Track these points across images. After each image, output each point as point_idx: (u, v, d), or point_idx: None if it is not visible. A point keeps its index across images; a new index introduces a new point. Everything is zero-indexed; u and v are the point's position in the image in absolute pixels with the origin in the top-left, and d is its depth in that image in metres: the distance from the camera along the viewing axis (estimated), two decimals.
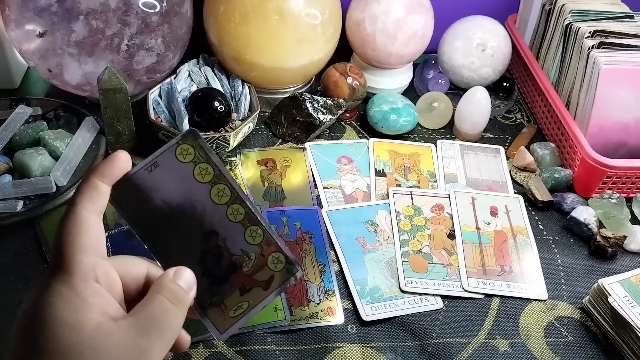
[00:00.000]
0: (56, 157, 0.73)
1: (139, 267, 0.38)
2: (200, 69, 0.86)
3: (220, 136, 0.74)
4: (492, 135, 0.89)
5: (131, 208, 0.39)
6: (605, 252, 0.71)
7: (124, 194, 0.38)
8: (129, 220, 0.39)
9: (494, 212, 0.74)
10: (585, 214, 0.73)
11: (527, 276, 0.67)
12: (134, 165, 0.39)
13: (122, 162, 0.38)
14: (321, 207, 0.73)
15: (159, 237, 0.39)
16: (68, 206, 0.35)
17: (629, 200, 0.79)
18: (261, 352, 0.58)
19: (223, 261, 0.40)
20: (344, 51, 0.91)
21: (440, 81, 0.93)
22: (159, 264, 0.39)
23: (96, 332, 0.32)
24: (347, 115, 0.88)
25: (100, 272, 0.35)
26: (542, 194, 0.77)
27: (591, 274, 0.69)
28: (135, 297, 0.37)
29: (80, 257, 0.34)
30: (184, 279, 0.37)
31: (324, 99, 0.83)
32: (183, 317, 0.36)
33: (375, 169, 0.80)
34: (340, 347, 0.59)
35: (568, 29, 0.84)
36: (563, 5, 0.87)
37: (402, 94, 0.92)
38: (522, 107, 0.96)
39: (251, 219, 0.40)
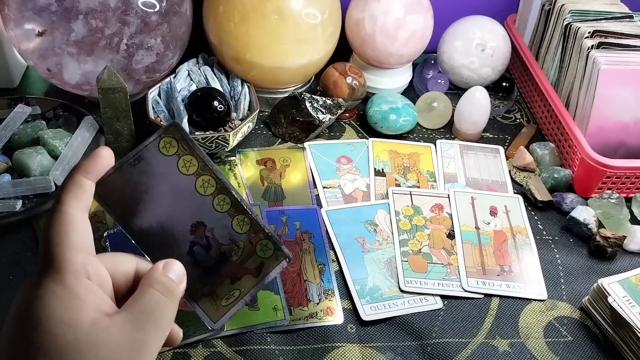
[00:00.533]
0: (55, 157, 0.72)
1: (128, 263, 0.39)
2: (199, 69, 0.85)
3: (219, 136, 0.74)
4: (491, 135, 0.89)
5: (117, 203, 0.39)
6: (604, 252, 0.71)
7: (109, 189, 0.39)
8: (115, 215, 0.39)
9: (493, 212, 0.74)
10: (584, 214, 0.73)
11: (526, 276, 0.67)
12: (117, 160, 0.39)
13: (105, 158, 0.38)
14: (321, 206, 0.73)
15: (146, 231, 0.40)
16: (53, 204, 0.35)
17: (628, 200, 0.79)
18: (260, 351, 0.57)
19: (212, 251, 0.40)
20: (343, 51, 0.91)
21: (439, 81, 0.93)
22: (148, 258, 0.40)
23: (93, 329, 0.32)
24: (347, 115, 0.88)
25: (91, 269, 0.35)
26: (541, 194, 0.77)
27: (591, 274, 0.69)
28: (125, 293, 0.38)
29: (70, 255, 0.34)
30: (174, 271, 0.38)
31: (324, 98, 0.83)
32: (175, 309, 0.37)
33: (375, 169, 0.80)
34: (340, 347, 0.59)
35: (567, 29, 0.84)
36: (562, 5, 0.87)
37: (401, 93, 0.92)
38: (522, 107, 0.96)
39: (238, 208, 0.41)
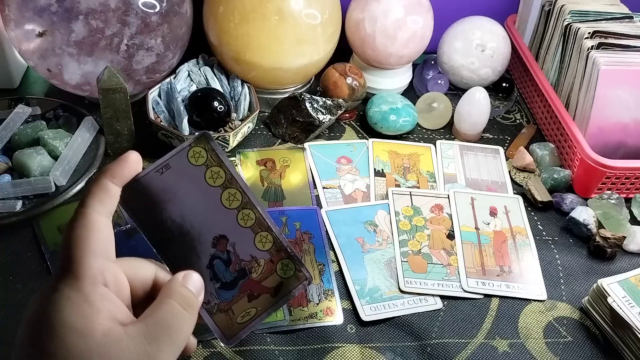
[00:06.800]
0: (55, 157, 0.73)
1: (147, 270, 0.38)
2: (199, 69, 0.86)
3: (219, 136, 0.74)
4: (491, 136, 0.89)
5: (141, 210, 0.39)
6: (604, 253, 0.71)
7: (134, 195, 0.38)
8: (138, 222, 0.39)
9: (493, 213, 0.74)
10: (584, 214, 0.73)
11: (526, 276, 0.67)
12: (145, 167, 0.38)
13: (133, 163, 0.37)
14: (320, 207, 0.73)
15: (168, 240, 0.39)
16: (77, 207, 0.35)
17: (628, 200, 0.79)
18: (260, 352, 0.57)
19: (232, 266, 0.40)
20: (343, 51, 0.91)
21: (439, 81, 0.93)
22: (167, 268, 0.39)
23: (104, 339, 0.32)
24: (347, 115, 0.88)
25: (109, 275, 0.34)
26: (541, 195, 0.77)
27: (590, 274, 0.69)
28: (142, 300, 0.37)
29: (89, 261, 0.33)
30: (193, 283, 0.37)
31: (324, 99, 0.83)
32: (193, 322, 0.36)
33: (375, 169, 0.80)
34: (340, 347, 0.59)
35: (567, 30, 0.84)
36: (562, 5, 0.87)
37: (401, 94, 0.92)
38: (522, 107, 0.96)
39: (262, 224, 0.40)
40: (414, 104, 0.88)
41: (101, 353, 0.31)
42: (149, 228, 0.39)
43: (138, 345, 0.32)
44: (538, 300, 0.65)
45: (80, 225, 0.34)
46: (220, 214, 0.40)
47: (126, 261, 0.37)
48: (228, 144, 0.76)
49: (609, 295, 0.60)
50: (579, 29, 0.82)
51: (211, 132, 0.76)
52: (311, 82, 0.92)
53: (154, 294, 0.36)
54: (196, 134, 0.40)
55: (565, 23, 0.85)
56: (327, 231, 0.70)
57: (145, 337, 0.33)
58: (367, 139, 0.85)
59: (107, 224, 0.35)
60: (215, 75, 0.85)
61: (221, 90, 0.82)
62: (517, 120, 0.93)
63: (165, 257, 0.39)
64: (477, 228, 0.72)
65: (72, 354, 0.31)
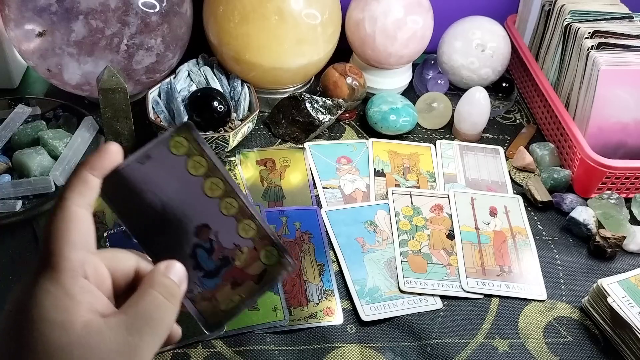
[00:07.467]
0: (55, 157, 0.73)
1: (128, 261, 0.38)
2: (199, 69, 0.85)
3: (219, 136, 0.74)
4: (491, 136, 0.89)
5: (122, 201, 0.38)
6: (604, 253, 0.71)
7: (115, 187, 0.37)
8: (119, 214, 0.38)
9: (493, 213, 0.74)
10: (584, 214, 0.73)
11: (526, 276, 0.67)
12: (125, 157, 0.38)
13: (112, 154, 0.37)
14: (320, 207, 0.73)
15: (149, 230, 0.39)
16: (56, 200, 0.35)
17: (628, 200, 0.79)
18: (260, 352, 0.57)
19: (214, 255, 0.39)
20: (343, 51, 0.91)
21: (439, 81, 0.93)
22: (149, 258, 0.39)
23: (85, 331, 0.32)
24: (347, 115, 0.88)
25: (89, 267, 0.34)
26: (541, 195, 0.77)
27: (590, 274, 0.69)
28: (125, 291, 0.37)
29: (69, 253, 0.33)
30: (175, 273, 0.37)
31: (324, 99, 0.83)
32: (176, 312, 0.36)
33: (375, 169, 0.80)
34: (340, 347, 0.59)
35: (567, 30, 0.84)
36: (562, 5, 0.87)
37: (401, 94, 0.92)
38: (522, 107, 0.96)
39: (244, 212, 0.40)
40: (414, 104, 0.88)
41: (81, 344, 0.31)
42: (130, 219, 0.38)
43: (119, 336, 0.32)
44: (538, 300, 0.65)
45: (59, 218, 0.34)
46: (203, 203, 0.39)
47: (107, 252, 0.37)
48: (228, 144, 0.76)
49: (609, 295, 0.60)
50: (579, 29, 0.82)
51: (211, 132, 0.76)
52: (311, 82, 0.92)
53: (136, 285, 0.36)
54: (178, 124, 0.40)
55: (565, 23, 0.85)
56: (327, 231, 0.70)
57: (127, 328, 0.33)
58: (367, 139, 0.85)
59: (86, 216, 0.35)
60: (215, 75, 0.85)
61: (221, 90, 0.82)
62: (517, 120, 0.93)
63: (147, 248, 0.39)
64: (477, 228, 0.72)
65: (52, 347, 0.31)
